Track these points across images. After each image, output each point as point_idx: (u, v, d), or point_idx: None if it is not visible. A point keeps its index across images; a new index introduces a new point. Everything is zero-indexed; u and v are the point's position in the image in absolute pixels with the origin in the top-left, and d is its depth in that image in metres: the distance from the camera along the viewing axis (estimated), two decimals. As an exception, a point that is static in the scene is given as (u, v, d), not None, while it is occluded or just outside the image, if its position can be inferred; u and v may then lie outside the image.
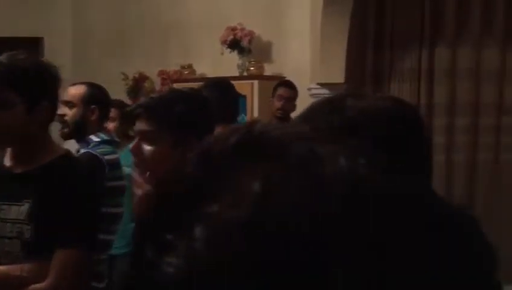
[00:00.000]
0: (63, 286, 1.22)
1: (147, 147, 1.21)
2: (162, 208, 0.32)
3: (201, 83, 2.35)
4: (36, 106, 1.26)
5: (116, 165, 1.95)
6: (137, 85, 4.02)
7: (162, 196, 0.33)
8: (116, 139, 2.16)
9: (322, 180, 0.29)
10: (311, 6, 3.35)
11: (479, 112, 3.59)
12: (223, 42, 3.41)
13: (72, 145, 1.97)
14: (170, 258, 0.28)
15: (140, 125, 1.25)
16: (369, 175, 0.30)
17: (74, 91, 2.00)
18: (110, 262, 1.98)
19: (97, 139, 1.95)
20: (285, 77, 3.44)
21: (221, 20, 3.58)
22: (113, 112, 2.35)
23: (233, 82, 3.39)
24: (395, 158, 0.67)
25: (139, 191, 1.21)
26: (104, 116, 2.06)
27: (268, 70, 3.56)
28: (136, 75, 4.04)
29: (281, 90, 2.97)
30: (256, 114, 3.45)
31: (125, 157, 1.97)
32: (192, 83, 2.94)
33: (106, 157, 1.91)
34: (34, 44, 4.02)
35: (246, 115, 3.25)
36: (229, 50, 3.47)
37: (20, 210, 1.25)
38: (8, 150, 1.34)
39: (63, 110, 1.92)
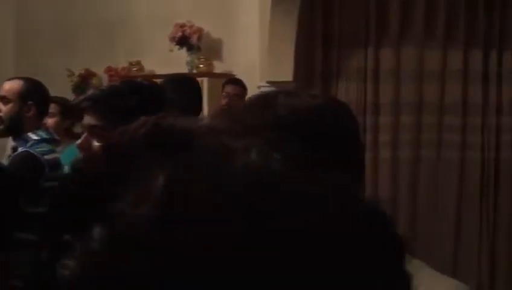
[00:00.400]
0: None
1: (96, 143, 1.15)
2: (64, 208, 0.30)
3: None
4: None
5: (56, 165, 1.88)
6: (83, 82, 3.92)
7: (68, 195, 0.32)
8: (56, 137, 2.08)
9: (229, 175, 0.28)
10: (259, 4, 3.37)
11: (422, 110, 3.72)
12: (172, 39, 3.38)
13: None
14: (67, 260, 0.27)
15: (88, 120, 1.19)
16: (280, 171, 0.29)
17: (9, 86, 1.91)
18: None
19: (36, 138, 1.87)
20: (235, 75, 3.44)
21: (170, 17, 3.54)
22: (53, 108, 2.27)
23: (182, 79, 3.39)
24: (324, 156, 0.69)
25: None
26: (42, 113, 1.98)
27: (218, 68, 3.55)
28: (82, 72, 3.94)
29: (228, 88, 2.97)
30: (205, 112, 3.44)
31: (67, 155, 1.91)
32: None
33: (46, 157, 1.84)
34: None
35: (195, 112, 3.23)
36: (177, 47, 3.44)
37: None
38: None
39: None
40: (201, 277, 0.27)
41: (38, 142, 1.86)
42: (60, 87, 3.45)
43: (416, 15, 3.66)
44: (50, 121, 2.39)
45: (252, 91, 3.15)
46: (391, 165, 3.71)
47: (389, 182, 3.70)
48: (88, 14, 4.05)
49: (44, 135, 1.91)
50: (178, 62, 3.49)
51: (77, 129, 2.21)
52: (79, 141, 1.22)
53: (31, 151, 1.82)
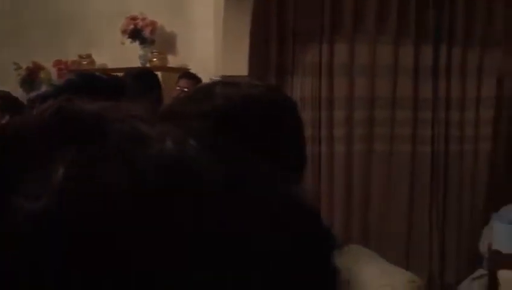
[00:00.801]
0: None
1: None
2: None
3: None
4: None
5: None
6: (31, 76, 3.77)
7: None
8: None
9: (142, 162, 0.27)
10: (214, -3, 3.34)
11: (375, 105, 3.79)
12: (124, 32, 3.30)
13: None
14: None
15: None
16: (196, 159, 0.28)
17: None
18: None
19: None
20: (190, 69, 3.40)
21: (123, 9, 3.45)
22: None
23: (135, 73, 3.32)
24: (255, 146, 0.67)
25: None
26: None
27: (173, 62, 3.50)
28: (30, 65, 3.79)
29: (181, 82, 2.93)
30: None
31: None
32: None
33: None
34: None
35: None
36: (130, 40, 3.36)
37: None
38: None
39: None
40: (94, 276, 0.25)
41: None
42: (7, 81, 3.31)
43: (369, 11, 3.71)
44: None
45: (207, 85, 3.12)
46: (345, 159, 3.76)
47: (344, 175, 3.76)
48: (37, 4, 3.90)
49: None
50: (131, 56, 3.41)
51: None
52: None
53: None
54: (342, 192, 3.76)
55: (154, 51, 3.36)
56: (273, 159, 0.66)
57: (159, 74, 3.23)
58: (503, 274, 2.06)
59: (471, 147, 3.89)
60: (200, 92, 0.72)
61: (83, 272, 0.25)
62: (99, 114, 0.28)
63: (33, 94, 1.63)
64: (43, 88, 2.51)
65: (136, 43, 3.36)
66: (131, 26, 3.21)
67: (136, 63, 3.41)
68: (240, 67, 3.27)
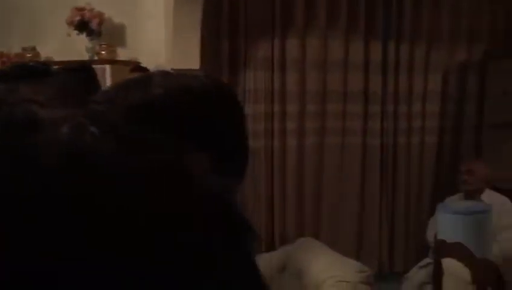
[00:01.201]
0: None
1: None
2: None
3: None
4: None
5: None
6: (-30, 68, 3.59)
7: None
8: None
9: (34, 146, 0.26)
10: (164, -11, 3.27)
11: (326, 99, 3.84)
12: (70, 23, 3.18)
13: None
14: None
15: None
16: (92, 145, 0.27)
17: None
18: None
19: None
20: (140, 62, 3.32)
21: (69, 0, 3.34)
22: None
23: (83, 67, 3.22)
24: (194, 137, 0.66)
25: None
26: None
27: (122, 54, 3.40)
28: (-31, 57, 3.60)
29: (131, 76, 2.87)
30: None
31: None
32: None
33: None
34: None
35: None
36: (76, 32, 3.25)
37: None
38: None
39: None
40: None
41: None
42: None
43: (320, 7, 3.75)
44: None
45: (157, 79, 3.06)
46: (298, 152, 3.80)
47: (296, 168, 3.80)
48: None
49: None
50: (77, 48, 3.30)
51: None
52: None
53: None
54: (294, 185, 3.80)
55: (103, 43, 3.26)
56: (208, 150, 0.66)
57: (107, 67, 3.15)
58: (447, 262, 2.14)
59: (418, 140, 4.02)
60: (139, 80, 0.70)
61: None
62: None
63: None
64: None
65: (83, 35, 3.26)
66: (78, 18, 3.11)
67: (84, 56, 3.30)
68: (191, 60, 3.23)
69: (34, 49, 3.46)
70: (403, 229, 4.00)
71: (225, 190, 0.32)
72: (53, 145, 0.26)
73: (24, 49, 3.47)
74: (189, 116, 0.65)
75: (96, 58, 3.25)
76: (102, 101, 0.67)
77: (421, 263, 3.25)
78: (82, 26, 3.19)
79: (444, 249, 2.16)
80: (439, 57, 4.00)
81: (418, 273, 3.21)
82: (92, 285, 0.25)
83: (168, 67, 3.38)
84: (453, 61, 4.05)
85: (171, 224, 0.28)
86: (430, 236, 3.14)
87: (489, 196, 3.11)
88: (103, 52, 3.23)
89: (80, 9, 3.14)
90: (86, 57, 3.30)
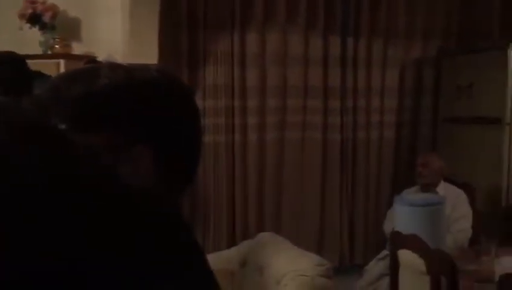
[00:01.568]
0: None
1: None
2: None
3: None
4: None
5: None
6: None
7: None
8: None
9: None
10: (120, -18, 3.20)
11: (287, 94, 3.85)
12: (21, 16, 3.07)
13: None
14: None
15: None
16: None
17: None
18: None
19: None
20: (96, 57, 3.25)
21: (21, -8, 3.22)
22: None
23: (37, 61, 3.10)
24: (141, 130, 0.65)
25: None
26: None
27: (77, 49, 3.32)
28: None
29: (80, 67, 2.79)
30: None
31: None
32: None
33: None
34: None
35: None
36: (28, 25, 3.14)
37: None
38: None
39: None
40: None
41: None
42: None
43: (279, 1, 3.75)
44: None
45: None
46: (259, 146, 3.80)
47: (257, 163, 3.80)
48: None
49: None
50: (30, 42, 3.19)
51: None
52: None
53: None
54: (256, 179, 3.80)
55: (57, 37, 3.16)
56: (153, 145, 0.64)
57: (61, 61, 3.06)
58: (402, 254, 2.19)
59: (377, 135, 4.09)
60: (86, 71, 0.67)
61: None
62: None
63: None
64: None
65: (36, 29, 3.15)
66: (30, 11, 3.00)
67: (37, 50, 3.20)
68: (149, 54, 3.18)
69: (-17, 42, 3.32)
70: (363, 223, 4.07)
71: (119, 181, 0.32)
72: None
73: (-27, 42, 3.33)
74: (134, 109, 0.63)
75: (50, 52, 3.16)
76: (46, 92, 0.65)
77: (380, 255, 3.31)
78: (34, 19, 3.08)
79: (399, 241, 2.20)
80: (396, 53, 4.08)
81: (377, 265, 3.28)
82: None
83: (124, 62, 3.31)
84: (409, 57, 4.14)
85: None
86: (387, 228, 3.21)
87: (444, 188, 3.20)
88: (57, 46, 3.14)
89: (32, 2, 3.03)
90: (39, 51, 3.20)
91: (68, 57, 3.11)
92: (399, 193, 3.27)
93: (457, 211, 3.07)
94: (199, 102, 3.64)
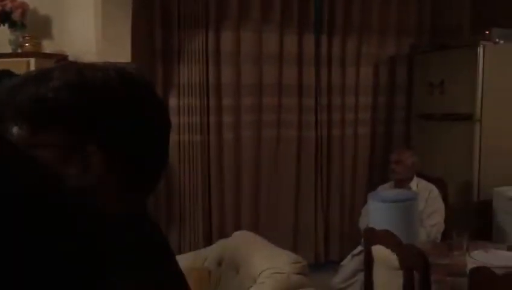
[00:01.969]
0: None
1: None
2: None
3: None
4: None
5: None
6: None
7: None
8: None
9: None
10: (92, -20, 3.15)
11: (262, 92, 3.86)
12: (-11, 14, 3.00)
13: None
14: None
15: None
16: None
17: None
18: None
19: None
20: (67, 56, 3.19)
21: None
22: None
23: (6, 60, 3.04)
24: (88, 133, 0.64)
25: None
26: None
27: (48, 47, 3.25)
28: None
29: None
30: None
31: None
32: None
33: None
34: None
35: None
36: (-3, 23, 3.07)
37: None
38: None
39: None
40: None
41: None
42: None
43: (254, 0, 3.75)
44: None
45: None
46: (234, 145, 3.79)
47: (233, 162, 3.79)
48: None
49: None
50: (0, 41, 3.13)
51: None
52: None
53: None
54: (231, 178, 3.79)
55: (26, 35, 3.10)
56: (107, 149, 0.63)
57: (32, 60, 3.00)
58: (376, 250, 2.21)
59: (351, 132, 4.12)
60: (39, 73, 0.66)
61: None
62: None
63: None
64: None
65: (5, 27, 3.08)
66: (-1, 8, 2.94)
67: (7, 49, 3.13)
68: (122, 53, 3.14)
69: (-50, 41, 3.23)
70: (338, 219, 4.10)
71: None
72: None
73: None
74: (83, 109, 0.63)
75: (19, 51, 3.09)
76: (0, 93, 0.64)
77: (354, 251, 3.34)
78: (4, 17, 3.02)
79: (373, 236, 2.23)
80: (370, 51, 4.12)
81: (352, 261, 3.31)
82: None
83: (98, 60, 3.26)
84: (383, 55, 4.18)
85: None
86: (362, 224, 3.24)
87: (417, 184, 3.25)
88: (27, 44, 3.08)
89: (1, 0, 2.96)
90: (8, 49, 3.13)
91: (38, 55, 3.05)
92: (374, 190, 3.31)
93: (430, 206, 3.12)
94: (174, 101, 3.61)
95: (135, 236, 0.68)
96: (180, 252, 3.33)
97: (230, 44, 3.71)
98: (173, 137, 3.55)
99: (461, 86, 3.61)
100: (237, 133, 3.80)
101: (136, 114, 0.66)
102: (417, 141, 4.06)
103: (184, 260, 2.55)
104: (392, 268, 2.10)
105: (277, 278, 2.20)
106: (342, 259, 3.55)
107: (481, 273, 1.70)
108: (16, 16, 3.00)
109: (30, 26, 3.19)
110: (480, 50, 3.45)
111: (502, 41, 3.50)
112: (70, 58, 3.12)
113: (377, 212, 2.60)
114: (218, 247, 2.82)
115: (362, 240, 2.80)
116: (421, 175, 3.33)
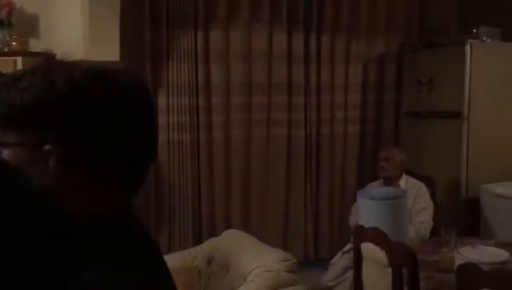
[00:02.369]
0: None
1: None
2: None
3: None
4: None
5: None
6: None
7: None
8: None
9: None
10: (79, -22, 3.13)
11: (252, 90, 3.86)
12: (-24, 12, 2.97)
13: None
14: None
15: None
16: None
17: None
18: None
19: None
20: (55, 54, 3.17)
21: (-25, -13, 3.11)
22: None
23: (-7, 58, 3.01)
24: (76, 135, 0.64)
25: None
26: None
27: (35, 46, 3.23)
28: None
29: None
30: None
31: None
32: None
33: None
34: None
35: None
36: (-17, 22, 3.03)
37: None
38: None
39: None
40: None
41: None
42: None
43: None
44: None
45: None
46: (224, 144, 3.79)
47: (223, 161, 3.79)
48: None
49: None
50: (-14, 39, 3.09)
51: None
52: None
53: None
54: (221, 177, 3.79)
55: (13, 34, 3.07)
56: (65, 145, 0.63)
57: (19, 58, 2.97)
58: (365, 247, 2.22)
59: (341, 130, 4.14)
60: (11, 76, 0.66)
61: None
62: None
63: None
64: None
65: (-8, 26, 3.05)
66: (-15, 7, 2.91)
67: (-7, 47, 3.11)
68: (110, 52, 3.12)
69: None
70: (328, 217, 4.12)
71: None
72: None
73: None
74: (45, 110, 0.63)
75: (6, 49, 3.06)
76: None
77: (344, 249, 3.35)
78: (-11, 15, 2.98)
79: (362, 234, 2.24)
80: (359, 49, 4.14)
81: (342, 259, 3.32)
82: None
83: (88, 59, 3.24)
84: (372, 53, 4.20)
85: None
86: (352, 222, 3.25)
87: (406, 182, 3.27)
88: (14, 43, 3.05)
89: (-13, -2, 2.93)
90: (-5, 48, 3.10)
91: (25, 54, 3.02)
92: (363, 187, 3.32)
93: (419, 203, 3.14)
94: (163, 100, 3.60)
95: (115, 235, 0.67)
96: (169, 251, 3.32)
97: (219, 43, 3.71)
98: (163, 136, 3.53)
99: (449, 83, 3.63)
100: (227, 131, 3.80)
101: (105, 113, 0.65)
102: (406, 138, 4.08)
103: (174, 259, 2.54)
104: (381, 265, 2.11)
105: (267, 276, 2.20)
106: (331, 257, 3.56)
107: (468, 270, 1.72)
108: (3, 14, 2.97)
109: (17, 25, 3.16)
110: (468, 48, 3.48)
111: (489, 40, 3.53)
112: (58, 57, 3.09)
113: (366, 210, 2.61)
114: (208, 246, 2.82)
115: (352, 237, 2.81)
116: (409, 173, 3.35)
